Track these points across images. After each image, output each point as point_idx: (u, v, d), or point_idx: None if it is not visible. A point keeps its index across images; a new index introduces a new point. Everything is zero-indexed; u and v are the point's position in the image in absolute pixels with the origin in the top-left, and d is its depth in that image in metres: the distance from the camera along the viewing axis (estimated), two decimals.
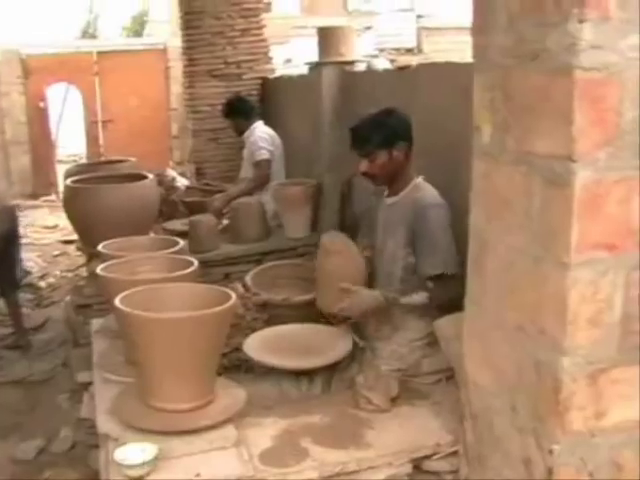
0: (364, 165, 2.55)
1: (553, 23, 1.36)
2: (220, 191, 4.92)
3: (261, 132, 4.66)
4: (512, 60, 1.51)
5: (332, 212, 4.13)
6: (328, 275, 2.52)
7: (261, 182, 4.48)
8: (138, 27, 15.71)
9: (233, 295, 2.03)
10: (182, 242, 2.82)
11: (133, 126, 9.50)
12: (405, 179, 2.57)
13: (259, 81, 5.65)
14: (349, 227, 3.97)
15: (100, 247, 2.72)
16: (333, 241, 2.61)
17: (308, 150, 4.40)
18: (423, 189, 2.54)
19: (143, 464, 1.78)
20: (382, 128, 2.51)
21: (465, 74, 2.62)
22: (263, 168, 4.56)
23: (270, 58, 5.77)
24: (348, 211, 4.01)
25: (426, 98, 3.01)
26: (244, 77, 5.60)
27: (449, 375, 2.39)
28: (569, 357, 1.44)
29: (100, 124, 9.76)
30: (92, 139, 9.85)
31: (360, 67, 4.09)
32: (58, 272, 5.90)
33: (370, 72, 3.88)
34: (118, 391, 2.21)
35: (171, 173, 5.65)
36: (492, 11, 1.57)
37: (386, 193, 2.67)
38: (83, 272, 5.00)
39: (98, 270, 2.37)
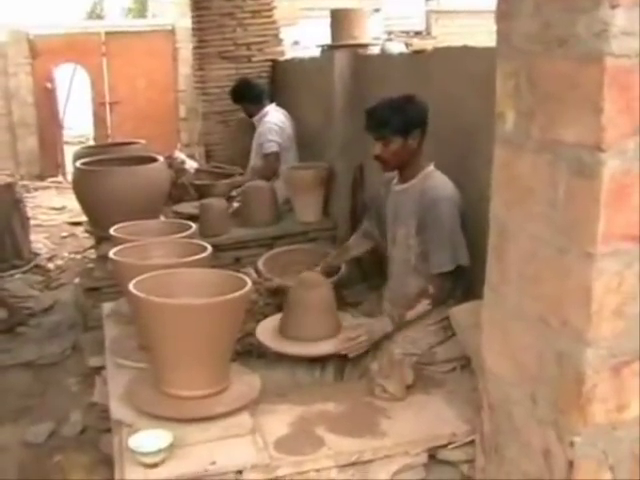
0: (377, 148, 2.55)
1: (583, 8, 1.33)
2: (230, 175, 4.91)
3: (272, 121, 4.63)
4: (538, 46, 1.48)
5: (343, 197, 4.12)
6: (309, 306, 2.52)
7: (268, 175, 4.47)
8: (140, 7, 15.58)
9: (248, 281, 2.01)
10: (194, 226, 2.81)
11: (141, 108, 9.46)
12: (416, 167, 2.57)
13: (269, 63, 5.61)
14: (360, 213, 3.97)
15: (112, 231, 2.71)
16: (312, 276, 2.64)
17: (320, 134, 4.38)
18: (433, 178, 2.53)
19: (159, 451, 1.77)
20: (400, 114, 2.49)
21: (482, 59, 2.61)
22: (271, 161, 4.56)
23: (280, 40, 5.73)
24: (359, 197, 4.00)
25: (441, 83, 2.98)
26: (254, 59, 5.55)
27: (463, 364, 2.41)
28: (593, 349, 1.43)
29: (108, 106, 9.71)
30: (99, 121, 9.82)
31: (373, 50, 4.03)
32: (66, 254, 5.89)
33: (384, 56, 3.85)
34: (131, 377, 2.21)
35: (180, 156, 5.61)
36: None
37: (395, 180, 2.66)
38: (92, 254, 4.98)
39: (110, 254, 2.36)
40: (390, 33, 11.26)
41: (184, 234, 2.68)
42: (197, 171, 5.29)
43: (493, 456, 1.80)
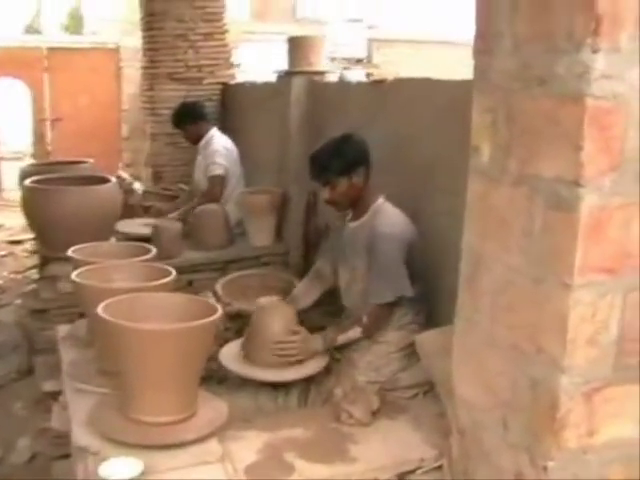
0: (326, 193, 2.59)
1: (563, 50, 1.39)
2: (175, 197, 4.89)
3: (219, 144, 4.61)
4: (517, 83, 1.53)
5: (297, 223, 4.15)
6: (271, 331, 2.55)
7: (213, 198, 4.44)
8: (76, 23, 15.22)
9: (218, 307, 2.00)
10: (153, 249, 2.78)
11: (83, 126, 9.27)
12: (366, 202, 2.61)
13: (220, 86, 5.63)
14: (313, 238, 4.02)
15: (70, 252, 2.65)
16: (274, 301, 2.70)
17: (274, 159, 4.41)
18: (382, 212, 2.58)
19: None
20: (340, 156, 2.53)
21: (444, 92, 2.70)
22: (216, 184, 4.53)
23: (232, 64, 5.74)
24: (313, 222, 4.04)
25: (401, 114, 3.05)
26: (205, 82, 5.57)
27: (426, 389, 2.46)
28: (567, 375, 1.47)
29: (49, 122, 9.47)
30: (39, 137, 9.57)
31: (331, 78, 4.07)
32: (5, 273, 5.70)
33: (342, 84, 3.90)
34: (94, 402, 2.17)
35: (128, 177, 5.54)
36: (497, 35, 1.59)
37: (349, 217, 2.71)
38: (33, 274, 4.84)
39: (73, 276, 2.32)
40: (334, 59, 11.41)
41: (146, 257, 2.67)
42: (145, 193, 5.23)
43: None
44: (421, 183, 2.91)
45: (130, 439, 1.92)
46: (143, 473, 1.78)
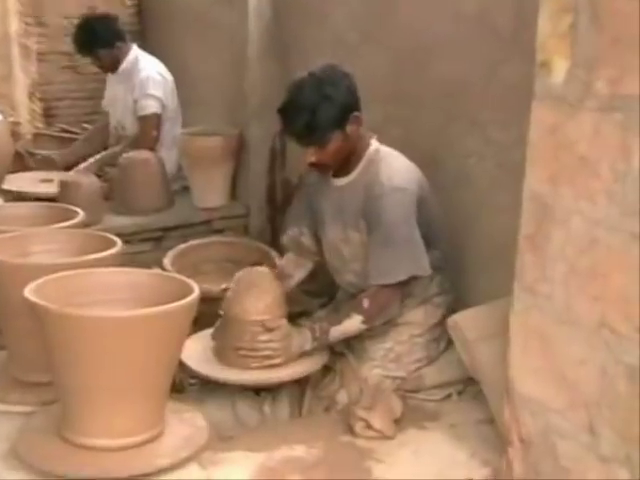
0: (312, 154, 2.54)
1: None
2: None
3: (149, 70, 4.53)
4: None
5: (258, 175, 4.14)
6: (252, 317, 2.54)
7: (146, 144, 4.38)
8: None
9: (195, 286, 2.01)
10: (80, 212, 2.81)
11: None
12: (358, 152, 2.61)
13: None
14: (281, 196, 4.08)
15: None
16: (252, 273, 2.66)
17: (225, 90, 4.37)
18: (379, 161, 2.58)
19: None
20: (328, 103, 2.46)
21: None
22: (150, 126, 4.47)
23: None
24: (279, 175, 4.05)
25: (411, 24, 3.02)
26: None
27: (461, 388, 2.52)
28: None
29: None
30: None
31: None
32: None
33: None
34: (17, 425, 2.15)
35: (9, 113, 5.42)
36: None
37: (331, 172, 2.69)
38: None
39: None
40: None
41: (71, 222, 2.69)
42: (36, 136, 5.18)
43: None
44: (440, 117, 2.92)
45: (75, 470, 1.90)
46: None
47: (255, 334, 2.47)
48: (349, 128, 2.50)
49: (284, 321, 2.52)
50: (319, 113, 2.42)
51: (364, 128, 2.58)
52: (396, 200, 2.47)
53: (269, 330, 2.47)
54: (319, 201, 2.73)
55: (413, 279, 2.52)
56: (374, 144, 2.61)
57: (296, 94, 2.48)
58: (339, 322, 2.51)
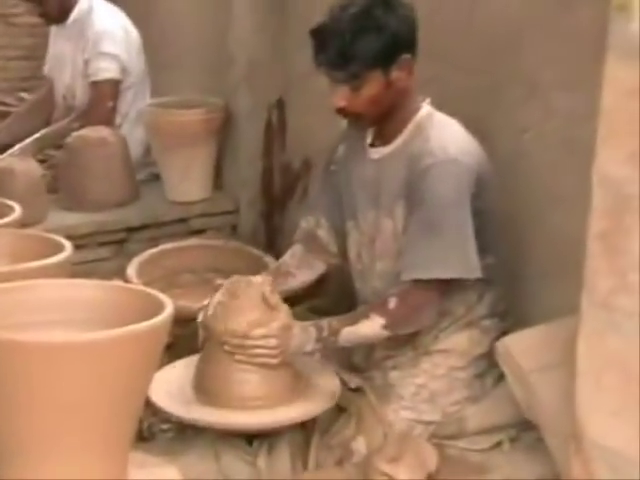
0: (343, 96, 2.53)
1: None
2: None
3: (107, 21, 4.49)
4: None
5: (250, 159, 4.11)
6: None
7: (97, 118, 4.34)
8: None
9: (168, 302, 1.98)
10: (17, 207, 2.85)
11: None
12: (405, 114, 2.59)
13: None
14: (280, 185, 4.05)
15: None
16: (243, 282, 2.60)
17: (205, 47, 4.36)
18: (431, 127, 2.56)
19: None
20: (376, 32, 2.46)
21: None
22: (104, 94, 4.43)
23: None
24: (278, 158, 4.02)
25: None
26: None
27: (514, 435, 2.50)
28: None
29: None
30: None
31: None
32: None
33: None
34: None
35: None
36: None
37: (370, 139, 2.68)
38: None
39: None
40: None
41: (5, 220, 2.73)
42: None
43: None
44: (486, 79, 2.90)
45: None
46: None
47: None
48: (395, 73, 2.50)
49: (284, 309, 2.51)
50: (359, 40, 2.44)
51: (416, 83, 2.57)
52: (449, 173, 2.46)
53: (270, 307, 2.47)
54: (349, 182, 2.72)
55: (457, 283, 2.49)
56: (426, 108, 2.60)
57: (337, 12, 2.50)
58: (354, 322, 2.50)
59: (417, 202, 2.47)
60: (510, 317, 2.67)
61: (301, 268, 2.86)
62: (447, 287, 2.48)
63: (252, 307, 2.48)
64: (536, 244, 2.79)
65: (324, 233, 2.83)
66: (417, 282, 2.46)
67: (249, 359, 2.47)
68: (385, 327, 2.46)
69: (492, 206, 2.57)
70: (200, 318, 2.59)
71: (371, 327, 2.48)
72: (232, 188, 4.24)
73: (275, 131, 4.00)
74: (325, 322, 2.52)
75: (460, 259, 2.45)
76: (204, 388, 2.54)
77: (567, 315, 2.15)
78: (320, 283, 2.99)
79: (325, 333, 2.49)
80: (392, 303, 2.47)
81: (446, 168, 2.45)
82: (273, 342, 2.45)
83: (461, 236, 2.45)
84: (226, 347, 2.46)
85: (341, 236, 2.79)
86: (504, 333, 2.53)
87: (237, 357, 2.47)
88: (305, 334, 2.49)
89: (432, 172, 2.45)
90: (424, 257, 2.46)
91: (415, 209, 2.48)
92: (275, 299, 2.49)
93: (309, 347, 2.50)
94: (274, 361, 2.47)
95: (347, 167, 2.74)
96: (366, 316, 2.49)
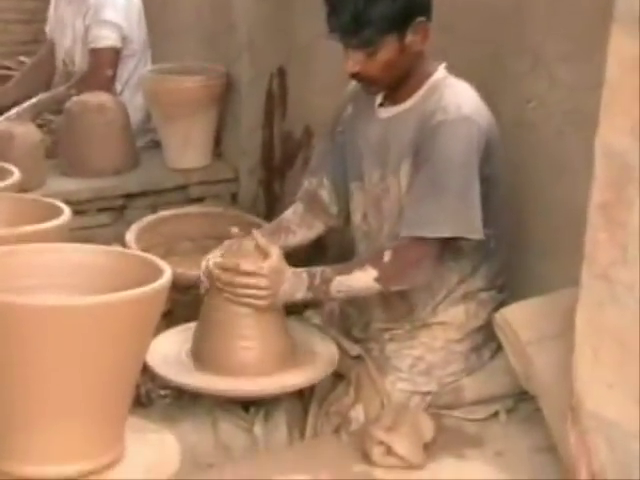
0: (357, 61, 2.50)
1: None
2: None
3: None
4: None
5: (251, 126, 4.11)
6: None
7: (96, 86, 4.34)
8: None
9: (166, 269, 1.99)
10: (15, 171, 2.85)
11: None
12: (419, 76, 2.58)
13: None
14: (281, 154, 4.06)
15: None
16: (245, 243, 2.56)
17: (208, 15, 4.36)
18: (445, 88, 2.54)
19: None
20: None
21: None
22: (103, 62, 4.45)
23: None
24: (278, 127, 4.03)
25: None
26: None
27: (511, 405, 2.51)
28: None
29: None
30: None
31: None
32: None
33: None
34: None
35: None
36: None
37: (380, 99, 2.67)
38: None
39: None
40: None
41: (3, 184, 2.72)
42: None
43: None
44: (489, 48, 2.90)
45: None
46: None
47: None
48: (410, 37, 2.48)
49: (275, 252, 2.48)
50: (373, 5, 2.40)
51: (430, 47, 2.56)
52: (460, 132, 2.44)
53: (263, 254, 2.46)
54: (356, 141, 2.70)
55: (454, 248, 2.49)
56: (441, 71, 2.58)
57: None
58: (349, 271, 2.47)
59: (424, 159, 2.45)
60: (508, 290, 2.66)
61: (301, 227, 2.85)
62: (445, 247, 2.46)
63: (247, 254, 2.48)
64: (538, 216, 2.79)
65: (326, 194, 2.82)
66: (415, 239, 2.44)
67: (237, 298, 2.45)
68: (377, 280, 2.44)
69: (498, 175, 2.55)
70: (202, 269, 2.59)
71: (364, 279, 2.46)
72: (232, 156, 4.25)
73: (276, 99, 4.00)
74: (318, 270, 2.49)
75: (462, 219, 2.43)
76: (202, 355, 2.54)
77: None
78: (319, 249, 3.01)
79: (317, 281, 2.47)
80: (387, 256, 2.45)
81: (458, 126, 2.43)
82: (263, 282, 2.43)
83: (466, 196, 2.43)
84: (217, 284, 2.46)
85: (344, 198, 2.78)
86: (502, 306, 2.51)
87: (226, 295, 2.45)
88: (297, 280, 2.47)
89: (443, 129, 2.43)
90: (425, 214, 2.43)
91: (421, 166, 2.46)
92: (268, 245, 2.48)
93: (300, 294, 2.48)
94: (261, 302, 2.45)
95: (354, 127, 2.72)
96: (360, 267, 2.47)
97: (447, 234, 2.42)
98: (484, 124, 2.47)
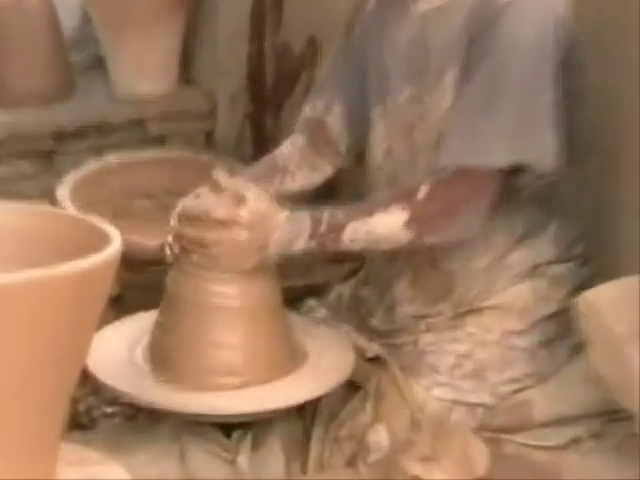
0: None
1: None
2: None
3: None
4: None
5: (232, 37, 3.85)
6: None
7: None
8: None
9: (115, 236, 1.68)
10: None
11: None
12: None
13: None
14: (272, 79, 3.78)
15: None
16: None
17: None
18: None
19: None
20: None
21: None
22: None
23: None
24: (271, 38, 3.76)
25: None
26: None
27: (596, 429, 2.20)
28: None
29: None
30: None
31: None
32: None
33: None
34: None
35: None
36: None
37: None
38: None
39: None
40: None
41: None
42: None
43: None
44: None
45: None
46: None
47: None
48: None
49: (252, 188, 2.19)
50: None
51: None
52: (532, 13, 2.12)
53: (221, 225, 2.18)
54: (380, 49, 2.44)
55: (518, 186, 2.18)
56: None
57: None
58: (368, 214, 2.17)
59: (479, 56, 2.15)
60: (593, 263, 2.36)
61: (302, 167, 2.58)
62: (505, 184, 2.13)
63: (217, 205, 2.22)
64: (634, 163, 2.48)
65: (335, 122, 2.54)
66: (460, 171, 2.13)
67: (210, 261, 2.16)
68: (408, 224, 2.13)
69: (584, 93, 2.23)
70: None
71: (388, 223, 2.15)
72: (206, 81, 3.99)
73: (268, 2, 3.66)
74: (326, 213, 2.20)
75: (528, 139, 2.11)
76: (165, 356, 2.29)
77: None
78: (327, 198, 2.70)
79: (323, 227, 2.17)
80: (423, 193, 2.13)
81: (529, 6, 2.12)
82: (244, 235, 2.13)
83: (535, 103, 2.11)
84: (182, 242, 2.18)
85: (358, 130, 2.50)
86: (585, 285, 2.17)
87: (195, 257, 2.16)
88: (294, 226, 2.18)
89: (509, 11, 2.12)
90: (475, 135, 2.13)
91: (475, 69, 2.16)
92: (236, 184, 2.18)
93: (300, 245, 2.18)
94: (244, 262, 2.20)
95: (379, 29, 2.46)
96: (384, 207, 2.16)
97: (501, 162, 2.10)
98: (560, 19, 2.18)
